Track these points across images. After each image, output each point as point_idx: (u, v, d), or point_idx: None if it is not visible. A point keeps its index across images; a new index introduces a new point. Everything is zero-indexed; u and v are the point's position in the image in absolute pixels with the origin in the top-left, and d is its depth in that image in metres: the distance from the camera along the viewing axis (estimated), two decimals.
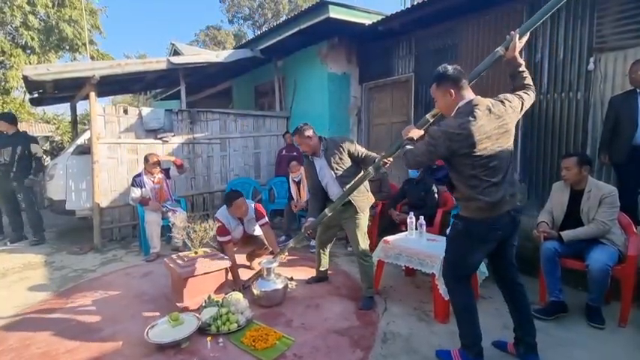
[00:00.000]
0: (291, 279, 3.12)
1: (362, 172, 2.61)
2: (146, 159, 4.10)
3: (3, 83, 10.65)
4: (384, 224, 3.83)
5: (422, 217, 2.79)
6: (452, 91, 1.74)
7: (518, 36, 1.79)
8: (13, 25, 10.69)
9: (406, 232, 2.94)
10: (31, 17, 10.44)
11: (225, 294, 2.55)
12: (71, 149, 5.06)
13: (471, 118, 1.62)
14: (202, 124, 5.37)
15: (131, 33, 60.28)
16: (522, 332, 1.90)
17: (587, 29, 3.29)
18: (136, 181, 4.05)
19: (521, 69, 1.84)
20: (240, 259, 3.41)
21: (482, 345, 1.88)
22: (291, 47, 5.61)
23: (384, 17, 4.57)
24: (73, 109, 6.77)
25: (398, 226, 3.59)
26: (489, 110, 1.67)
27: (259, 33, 6.01)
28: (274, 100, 6.28)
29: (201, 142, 5.36)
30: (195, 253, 2.78)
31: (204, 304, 2.37)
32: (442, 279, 2.36)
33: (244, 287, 2.90)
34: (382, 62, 5.28)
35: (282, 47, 5.48)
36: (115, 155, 4.67)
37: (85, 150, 4.77)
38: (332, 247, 3.20)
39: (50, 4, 10.77)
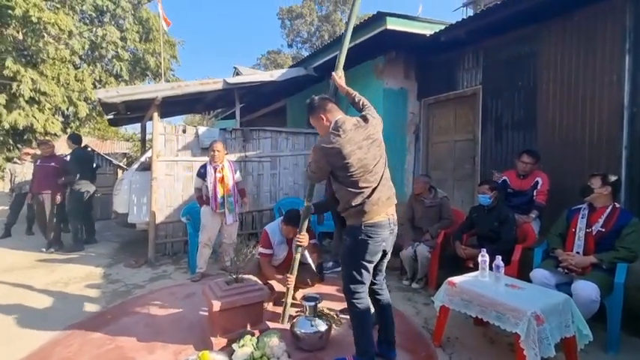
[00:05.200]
0: (337, 315, 2.78)
1: None
2: (210, 145, 3.89)
3: (98, 108, 12.31)
4: (447, 258, 3.31)
5: (499, 258, 2.26)
6: (322, 116, 2.04)
7: (337, 75, 2.49)
8: (108, 58, 12.46)
9: (476, 273, 2.42)
10: (121, 51, 12.12)
11: (262, 331, 2.30)
12: (135, 166, 5.39)
13: (340, 133, 1.89)
14: (254, 142, 5.38)
15: (202, 59, 66.88)
16: (386, 333, 2.17)
17: None
18: (200, 172, 3.90)
19: (356, 99, 2.22)
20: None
21: None
22: (345, 63, 5.41)
23: (447, 26, 4.16)
24: (143, 129, 7.35)
25: (464, 262, 3.06)
26: (355, 124, 1.96)
27: (314, 51, 5.94)
28: None
29: (253, 160, 5.35)
30: (237, 280, 2.60)
31: (238, 343, 2.12)
32: (529, 341, 1.86)
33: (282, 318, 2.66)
34: (444, 75, 4.83)
35: (336, 64, 5.32)
36: (171, 172, 4.83)
37: (147, 167, 5.02)
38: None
39: (138, 39, 12.40)
